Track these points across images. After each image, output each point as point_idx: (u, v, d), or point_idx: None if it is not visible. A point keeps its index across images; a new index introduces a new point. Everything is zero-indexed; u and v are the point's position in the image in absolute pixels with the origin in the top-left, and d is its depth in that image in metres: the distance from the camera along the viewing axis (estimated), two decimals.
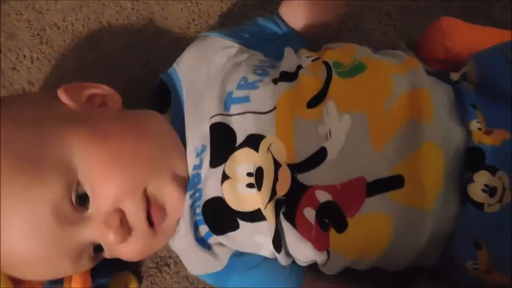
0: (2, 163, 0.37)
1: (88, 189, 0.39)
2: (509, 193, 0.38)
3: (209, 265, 0.44)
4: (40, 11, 0.61)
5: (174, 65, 0.47)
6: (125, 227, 0.40)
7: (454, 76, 0.46)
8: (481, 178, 0.39)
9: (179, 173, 0.42)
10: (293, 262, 0.44)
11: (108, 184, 0.39)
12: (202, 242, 0.43)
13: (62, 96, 0.43)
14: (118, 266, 0.51)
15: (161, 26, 0.60)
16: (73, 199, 0.38)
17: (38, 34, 0.60)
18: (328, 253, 0.40)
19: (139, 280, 0.53)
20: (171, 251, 0.53)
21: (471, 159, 0.39)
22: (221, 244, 0.43)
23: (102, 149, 0.39)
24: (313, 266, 0.43)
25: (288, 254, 0.42)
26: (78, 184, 0.39)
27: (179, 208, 0.42)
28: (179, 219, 0.43)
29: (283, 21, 0.49)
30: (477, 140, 0.40)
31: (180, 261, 0.51)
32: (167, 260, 0.53)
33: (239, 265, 0.44)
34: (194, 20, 0.60)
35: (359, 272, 0.43)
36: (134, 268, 0.53)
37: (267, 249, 0.42)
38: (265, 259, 0.44)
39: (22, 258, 0.39)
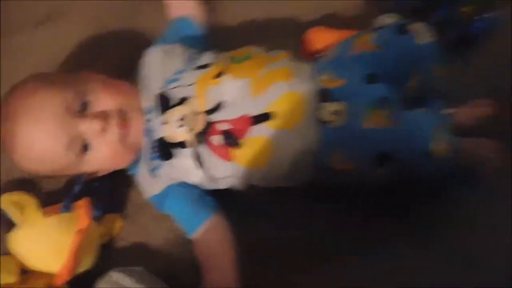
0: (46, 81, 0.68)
1: (91, 98, 0.66)
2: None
3: (152, 189, 0.70)
4: None
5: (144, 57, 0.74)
6: (105, 119, 0.65)
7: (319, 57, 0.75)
8: (329, 106, 0.65)
9: (139, 106, 0.69)
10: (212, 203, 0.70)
11: (104, 98, 0.67)
12: (152, 172, 0.69)
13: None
14: (107, 209, 0.75)
15: None
16: (79, 103, 0.66)
17: None
18: (233, 165, 0.66)
19: (124, 219, 0.77)
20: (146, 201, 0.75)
21: (322, 95, 0.66)
22: (164, 175, 0.68)
23: (105, 86, 0.68)
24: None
25: (209, 177, 0.67)
26: (85, 94, 0.66)
27: (139, 127, 0.68)
28: (140, 149, 0.69)
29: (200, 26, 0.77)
30: (325, 85, 0.67)
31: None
32: (142, 204, 0.77)
33: (172, 192, 0.69)
34: None
35: None
36: (119, 211, 0.77)
37: (195, 175, 0.67)
38: (191, 188, 0.69)
39: (38, 137, 0.65)
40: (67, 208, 0.69)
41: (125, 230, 0.77)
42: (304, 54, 0.80)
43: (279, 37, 0.85)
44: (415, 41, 0.70)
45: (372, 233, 0.74)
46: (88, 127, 0.65)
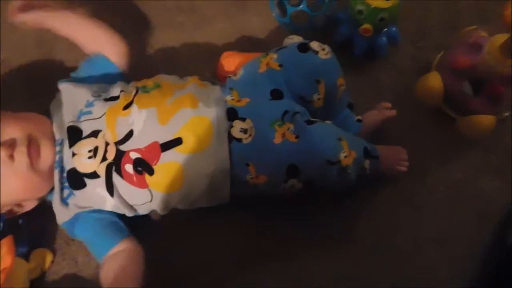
0: None
1: None
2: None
3: (63, 216, 0.71)
4: None
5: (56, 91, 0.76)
6: (11, 147, 0.66)
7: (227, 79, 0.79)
8: (237, 124, 0.70)
9: (51, 136, 0.71)
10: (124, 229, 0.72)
11: (9, 127, 0.68)
12: (64, 201, 0.70)
13: None
14: (35, 244, 0.76)
15: None
16: None
17: None
18: (150, 191, 0.68)
19: (53, 253, 0.78)
20: None
21: (229, 114, 0.70)
22: (74, 204, 0.70)
23: (11, 117, 0.70)
24: None
25: (125, 203, 0.69)
26: None
27: (49, 154, 0.69)
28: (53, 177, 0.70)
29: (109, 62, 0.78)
30: (230, 105, 0.71)
31: None
32: (72, 238, 0.78)
33: (81, 219, 0.70)
34: None
35: None
36: (48, 245, 0.78)
37: (109, 203, 0.69)
38: (103, 215, 0.71)
39: None
40: None
41: (55, 264, 0.78)
42: (220, 78, 0.84)
43: (193, 63, 0.90)
44: (318, 57, 0.75)
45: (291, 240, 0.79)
46: None
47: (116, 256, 0.69)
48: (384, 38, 0.91)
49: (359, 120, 0.82)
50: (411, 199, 0.83)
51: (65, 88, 0.75)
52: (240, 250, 0.78)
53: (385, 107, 0.86)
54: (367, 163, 0.76)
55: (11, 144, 0.67)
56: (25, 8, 0.75)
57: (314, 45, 0.76)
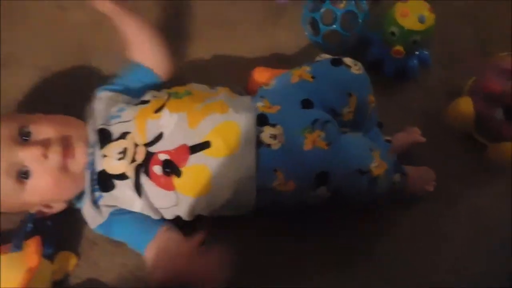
0: None
1: (32, 129, 0.69)
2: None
3: (96, 219, 0.72)
4: None
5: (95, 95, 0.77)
6: (46, 146, 0.68)
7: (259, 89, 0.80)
8: (267, 130, 0.70)
9: (85, 138, 0.72)
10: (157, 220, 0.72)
11: (45, 127, 0.70)
12: (95, 203, 0.71)
13: None
14: (60, 246, 0.77)
15: None
16: (20, 132, 0.69)
17: None
18: (176, 194, 0.69)
19: (77, 257, 0.78)
20: (97, 235, 0.78)
21: (259, 120, 0.71)
22: (105, 205, 0.71)
23: (47, 118, 0.72)
24: None
25: (151, 206, 0.70)
26: (27, 126, 0.69)
27: (82, 156, 0.71)
28: (83, 180, 0.71)
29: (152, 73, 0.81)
30: (261, 111, 0.72)
31: (106, 239, 0.77)
32: (95, 240, 0.79)
33: (116, 219, 0.71)
34: None
35: None
36: (72, 248, 0.78)
37: (137, 204, 0.70)
38: (135, 215, 0.71)
39: None
40: (17, 247, 0.70)
41: (78, 267, 0.78)
42: (250, 91, 0.85)
43: (223, 76, 0.91)
44: (350, 71, 0.76)
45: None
46: (28, 153, 0.67)
47: (162, 239, 0.70)
48: (415, 61, 0.91)
49: (388, 141, 0.82)
50: (433, 223, 0.82)
51: (102, 95, 0.76)
52: (254, 262, 0.77)
53: (413, 132, 0.86)
54: (397, 176, 0.76)
55: (46, 144, 0.69)
56: None
57: (347, 60, 0.77)
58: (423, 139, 0.84)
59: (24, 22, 0.98)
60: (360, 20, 0.90)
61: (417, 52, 0.91)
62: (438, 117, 0.88)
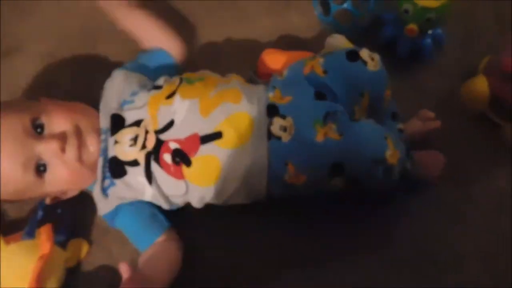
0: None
1: (44, 120, 0.69)
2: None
3: (104, 208, 0.71)
4: None
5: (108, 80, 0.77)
6: (63, 140, 0.68)
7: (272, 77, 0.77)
8: (277, 121, 0.69)
9: (96, 126, 0.72)
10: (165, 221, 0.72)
11: (57, 119, 0.69)
12: (104, 191, 0.71)
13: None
14: (72, 234, 0.77)
15: None
16: (33, 124, 0.68)
17: None
18: (186, 183, 0.68)
19: (89, 244, 0.78)
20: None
21: (269, 110, 0.69)
22: (114, 195, 0.70)
23: (58, 108, 0.71)
24: None
25: (162, 194, 0.69)
26: (39, 117, 0.69)
27: (95, 145, 0.70)
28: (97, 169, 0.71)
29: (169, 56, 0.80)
30: (272, 101, 0.70)
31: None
32: (107, 228, 0.78)
33: (122, 211, 0.71)
34: None
35: None
36: (84, 235, 0.78)
37: (148, 192, 0.69)
38: (143, 207, 0.71)
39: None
40: (30, 235, 0.70)
41: (91, 254, 0.78)
42: (260, 74, 0.84)
43: (234, 59, 0.90)
44: (367, 68, 0.72)
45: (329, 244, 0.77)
46: (45, 148, 0.67)
47: (159, 249, 0.70)
48: (429, 40, 0.88)
49: (400, 130, 0.79)
50: (451, 208, 0.79)
51: (115, 76, 0.76)
52: (274, 252, 0.77)
53: (428, 117, 0.82)
54: (409, 163, 0.74)
55: (63, 137, 0.68)
56: None
57: (364, 54, 0.72)
58: (438, 124, 0.81)
59: (28, 8, 0.97)
60: None
61: (430, 31, 0.88)
62: (453, 97, 0.85)
